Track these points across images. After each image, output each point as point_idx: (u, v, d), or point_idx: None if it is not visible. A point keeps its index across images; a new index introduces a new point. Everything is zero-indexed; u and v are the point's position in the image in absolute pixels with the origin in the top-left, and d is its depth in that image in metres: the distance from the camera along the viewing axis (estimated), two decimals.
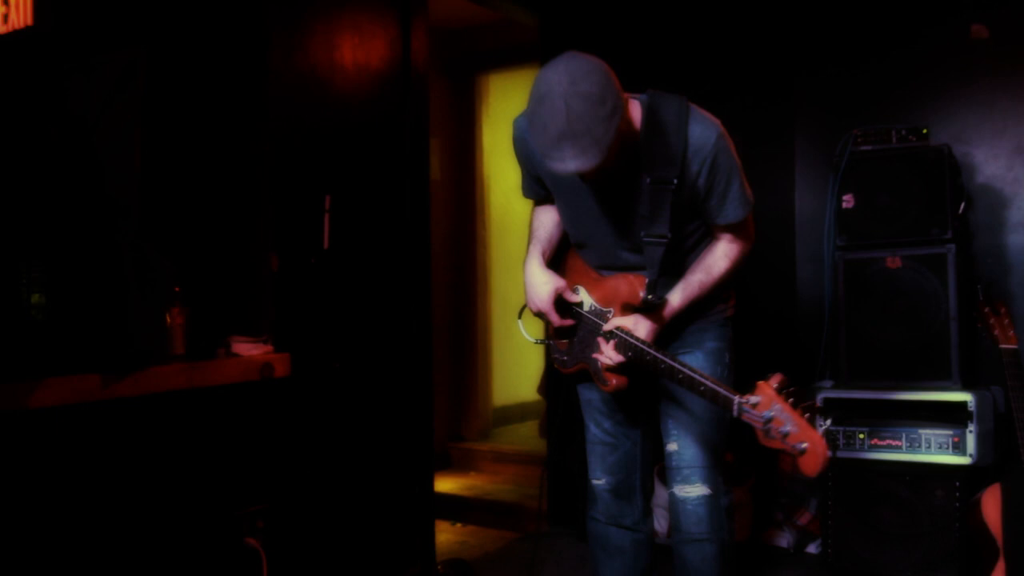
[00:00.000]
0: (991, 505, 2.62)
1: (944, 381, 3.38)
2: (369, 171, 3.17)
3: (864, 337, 3.54)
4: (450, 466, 5.25)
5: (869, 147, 3.66)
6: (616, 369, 2.29)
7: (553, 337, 2.56)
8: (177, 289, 2.52)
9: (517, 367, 5.94)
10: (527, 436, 5.62)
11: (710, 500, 2.38)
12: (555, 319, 2.41)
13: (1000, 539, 2.56)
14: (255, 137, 2.81)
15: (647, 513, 2.63)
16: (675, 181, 2.16)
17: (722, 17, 4.37)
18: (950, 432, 3.28)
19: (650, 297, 2.24)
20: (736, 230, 2.33)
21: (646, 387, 2.44)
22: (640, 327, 2.25)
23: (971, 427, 3.24)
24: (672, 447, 2.43)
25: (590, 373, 2.42)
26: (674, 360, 2.13)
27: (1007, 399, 3.45)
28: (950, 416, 3.29)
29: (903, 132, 3.63)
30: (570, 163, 1.97)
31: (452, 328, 5.52)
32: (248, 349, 2.67)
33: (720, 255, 2.35)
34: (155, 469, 2.42)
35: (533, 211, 2.62)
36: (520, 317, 2.65)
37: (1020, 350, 2.74)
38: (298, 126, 2.92)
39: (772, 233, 4.34)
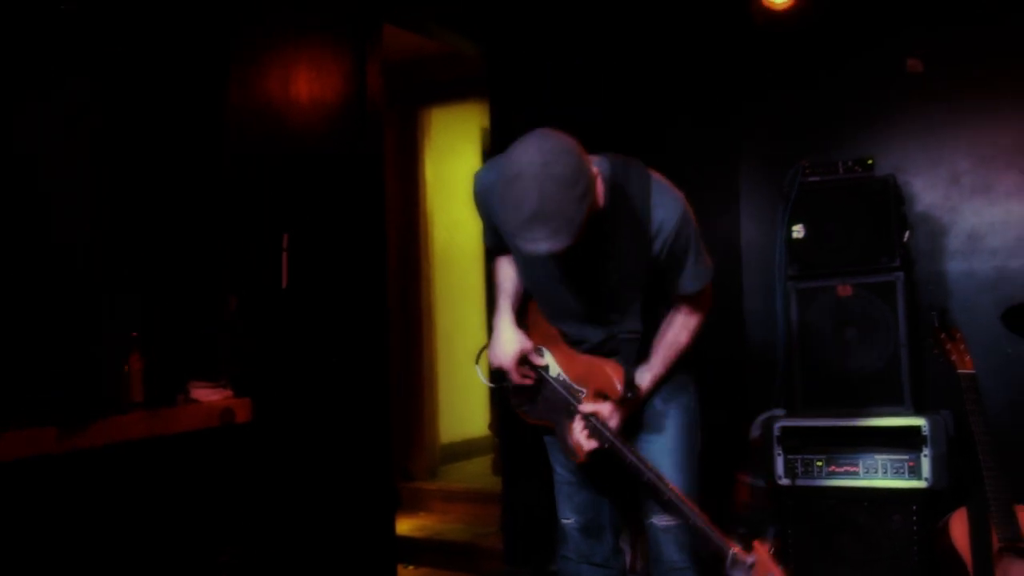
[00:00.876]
0: (959, 529, 2.66)
1: (897, 406, 3.45)
2: (325, 207, 3.10)
3: (818, 365, 3.59)
4: (399, 506, 5.13)
5: (817, 178, 3.74)
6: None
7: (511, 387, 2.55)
8: (135, 334, 2.40)
9: (463, 403, 5.87)
10: (476, 473, 5.54)
11: (686, 529, 2.36)
12: (515, 378, 2.44)
13: (969, 562, 2.60)
14: (212, 174, 2.72)
15: (617, 550, 2.61)
16: (642, 262, 2.20)
17: (667, 44, 4.43)
18: (905, 457, 3.34)
19: (629, 396, 2.27)
20: (694, 299, 2.38)
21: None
22: (614, 419, 2.27)
23: (926, 451, 3.30)
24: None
25: (556, 438, 2.42)
26: (659, 478, 2.14)
27: (958, 423, 3.55)
28: (905, 441, 3.35)
29: (849, 163, 3.72)
30: (542, 244, 1.95)
31: (397, 364, 5.43)
32: (208, 395, 2.56)
33: (680, 327, 2.39)
34: (116, 521, 2.30)
35: (497, 262, 2.59)
36: (477, 362, 2.63)
37: (977, 375, 2.80)
38: (255, 161, 2.84)
39: (718, 263, 4.38)
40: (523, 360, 2.43)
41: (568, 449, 2.35)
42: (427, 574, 4.27)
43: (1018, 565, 2.59)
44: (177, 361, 2.59)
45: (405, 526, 4.71)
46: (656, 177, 2.26)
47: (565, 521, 2.56)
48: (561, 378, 2.40)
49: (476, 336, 5.96)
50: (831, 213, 3.68)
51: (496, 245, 2.52)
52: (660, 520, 2.40)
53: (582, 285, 2.28)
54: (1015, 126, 4.05)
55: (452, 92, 5.40)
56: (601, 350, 2.37)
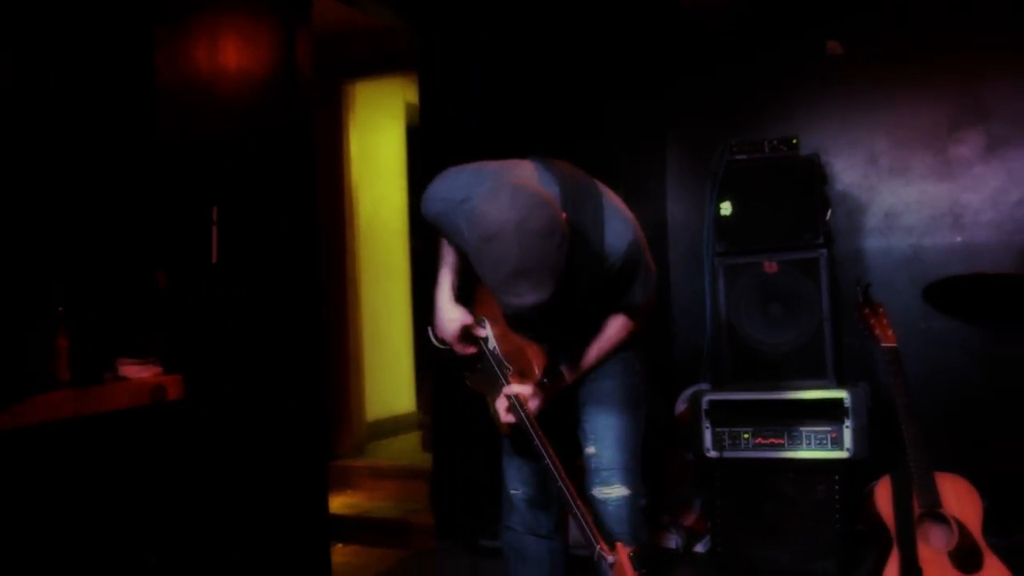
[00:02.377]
0: (883, 496, 2.75)
1: (821, 379, 3.55)
2: (255, 179, 3.03)
3: (744, 340, 3.67)
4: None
5: (744, 156, 3.80)
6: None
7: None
8: (61, 310, 2.31)
9: (389, 379, 5.84)
10: (404, 450, 5.52)
11: (630, 501, 2.41)
12: (459, 350, 2.49)
13: (892, 527, 2.70)
14: (140, 145, 2.63)
15: (562, 524, 2.63)
16: (596, 286, 2.24)
17: (597, 26, 4.44)
18: (828, 428, 3.45)
19: (545, 381, 2.31)
20: (636, 310, 2.43)
21: (562, 396, 2.44)
22: (533, 401, 2.29)
23: (847, 423, 3.41)
24: (591, 450, 2.45)
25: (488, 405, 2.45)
26: (554, 462, 2.12)
27: (876, 395, 3.69)
28: (827, 413, 3.45)
29: (775, 142, 3.79)
30: (527, 297, 1.96)
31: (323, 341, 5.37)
32: (137, 372, 2.49)
33: (620, 327, 2.43)
34: (40, 503, 2.22)
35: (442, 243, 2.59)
36: (430, 328, 2.61)
37: (899, 348, 2.90)
38: (183, 134, 2.76)
39: (647, 240, 4.44)
40: (466, 334, 2.46)
41: (496, 419, 2.37)
42: (357, 552, 4.24)
43: (936, 529, 2.70)
44: (105, 338, 2.51)
45: (333, 504, 4.63)
46: (607, 199, 2.28)
47: (513, 492, 2.58)
48: (496, 352, 2.43)
49: (402, 312, 5.93)
50: (757, 191, 3.75)
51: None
52: (601, 492, 2.42)
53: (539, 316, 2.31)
54: (930, 109, 4.19)
55: (378, 67, 5.32)
56: (539, 340, 2.39)
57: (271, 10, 3.13)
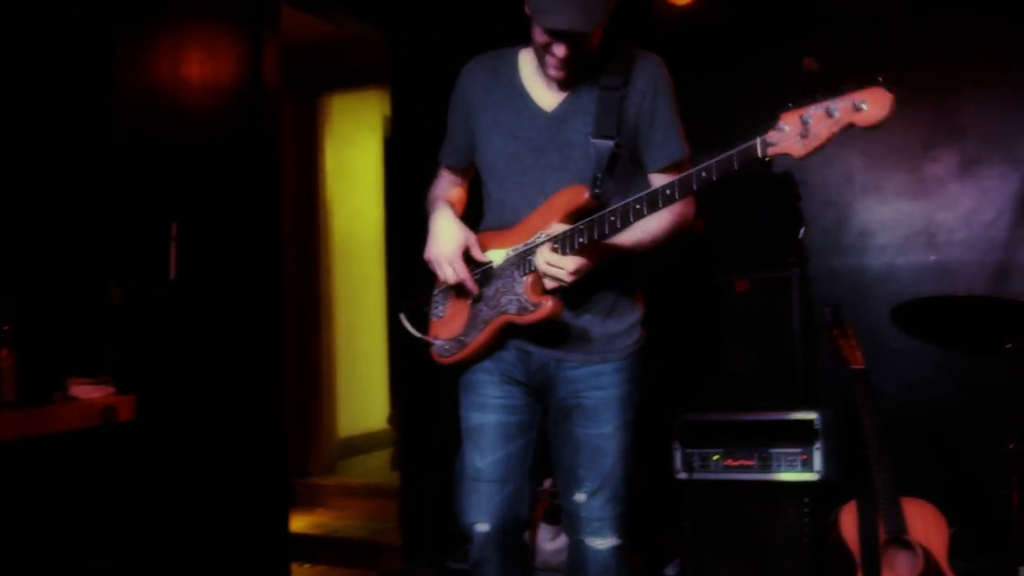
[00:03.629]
0: (848, 521, 2.72)
1: (792, 400, 3.51)
2: (218, 194, 2.98)
3: (716, 360, 3.64)
4: (295, 503, 5.01)
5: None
6: (559, 284, 2.05)
7: (440, 330, 2.33)
8: (6, 328, 2.25)
9: (362, 396, 5.77)
10: (375, 468, 5.45)
11: (620, 551, 2.25)
12: (460, 267, 2.19)
13: (857, 554, 2.66)
14: (95, 155, 2.57)
15: (528, 553, 2.50)
16: (625, 88, 2.16)
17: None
18: (798, 450, 3.41)
19: (597, 191, 2.08)
20: (681, 166, 2.21)
21: (545, 414, 2.30)
22: (571, 261, 2.02)
23: (818, 444, 3.37)
24: (581, 497, 2.24)
25: (511, 321, 2.14)
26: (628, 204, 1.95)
27: (848, 417, 3.64)
28: (798, 435, 3.41)
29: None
30: (569, 19, 1.97)
31: (294, 357, 5.30)
32: (88, 392, 2.42)
33: (655, 216, 2.06)
34: None
35: (436, 183, 2.44)
36: (403, 310, 2.41)
37: (868, 370, 2.87)
38: (142, 144, 2.71)
39: None
40: (466, 257, 2.21)
41: (528, 306, 2.10)
42: (324, 572, 4.18)
43: (903, 556, 2.66)
44: (55, 356, 2.44)
45: (301, 523, 4.59)
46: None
47: (478, 527, 2.28)
48: (513, 251, 2.16)
49: (377, 328, 5.87)
50: (731, 208, 3.72)
51: (457, 159, 2.41)
52: (592, 541, 2.24)
53: (565, 134, 2.18)
54: (904, 127, 4.17)
55: (354, 79, 5.28)
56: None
57: (237, 21, 3.09)
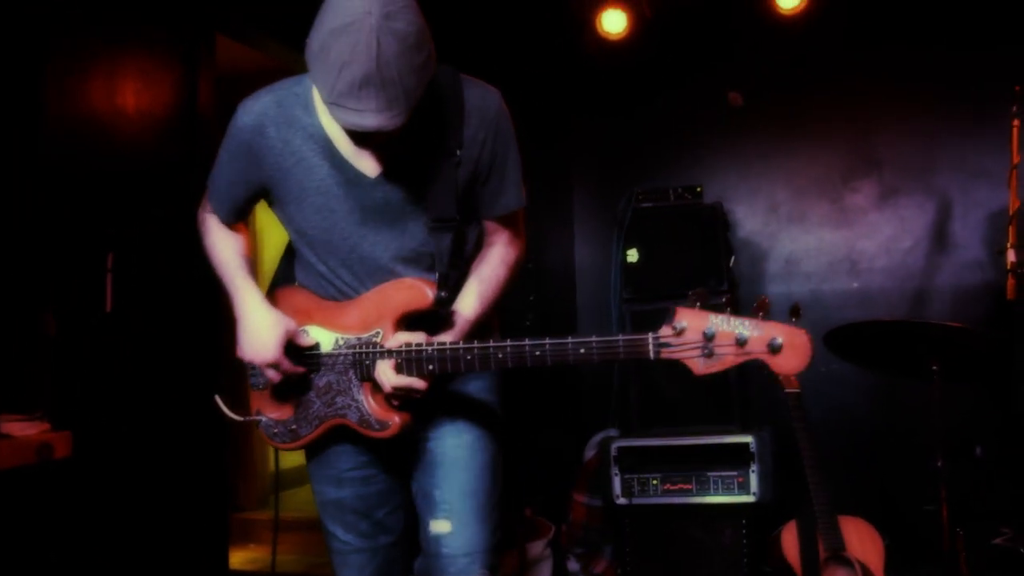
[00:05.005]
0: (789, 540, 2.79)
1: (727, 424, 3.60)
2: (155, 225, 2.92)
3: (652, 386, 3.70)
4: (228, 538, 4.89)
5: (650, 204, 3.86)
6: (403, 401, 1.86)
7: (264, 406, 2.06)
8: None
9: None
10: (309, 501, 5.32)
11: None
12: (287, 367, 1.91)
13: (799, 571, 2.73)
14: (25, 185, 2.51)
15: None
16: (457, 152, 1.83)
17: (500, 57, 4.47)
18: (735, 473, 3.49)
19: (443, 294, 1.85)
20: (513, 227, 2.02)
21: (403, 452, 2.04)
22: (442, 336, 1.84)
23: (753, 467, 3.46)
24: (442, 528, 1.96)
25: (350, 427, 1.92)
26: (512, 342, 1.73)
27: (781, 439, 3.74)
28: (734, 458, 3.50)
29: (679, 190, 3.86)
30: (370, 118, 1.57)
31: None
32: (21, 429, 2.33)
33: (498, 262, 1.97)
34: None
35: (215, 237, 2.10)
36: (216, 396, 2.13)
37: (803, 393, 2.95)
38: (77, 174, 2.65)
39: (554, 284, 4.47)
40: (290, 348, 1.91)
41: (370, 424, 1.88)
42: None
43: (841, 572, 2.74)
44: None
45: (235, 559, 4.46)
46: (464, 75, 1.91)
47: None
48: (342, 342, 1.91)
49: None
50: (663, 238, 3.81)
51: (240, 209, 2.05)
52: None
53: (392, 209, 1.88)
54: (826, 159, 4.35)
55: None
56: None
57: (172, 50, 3.05)
